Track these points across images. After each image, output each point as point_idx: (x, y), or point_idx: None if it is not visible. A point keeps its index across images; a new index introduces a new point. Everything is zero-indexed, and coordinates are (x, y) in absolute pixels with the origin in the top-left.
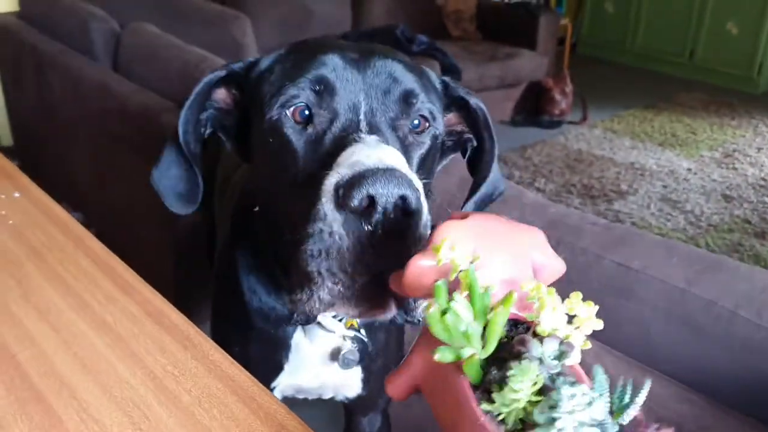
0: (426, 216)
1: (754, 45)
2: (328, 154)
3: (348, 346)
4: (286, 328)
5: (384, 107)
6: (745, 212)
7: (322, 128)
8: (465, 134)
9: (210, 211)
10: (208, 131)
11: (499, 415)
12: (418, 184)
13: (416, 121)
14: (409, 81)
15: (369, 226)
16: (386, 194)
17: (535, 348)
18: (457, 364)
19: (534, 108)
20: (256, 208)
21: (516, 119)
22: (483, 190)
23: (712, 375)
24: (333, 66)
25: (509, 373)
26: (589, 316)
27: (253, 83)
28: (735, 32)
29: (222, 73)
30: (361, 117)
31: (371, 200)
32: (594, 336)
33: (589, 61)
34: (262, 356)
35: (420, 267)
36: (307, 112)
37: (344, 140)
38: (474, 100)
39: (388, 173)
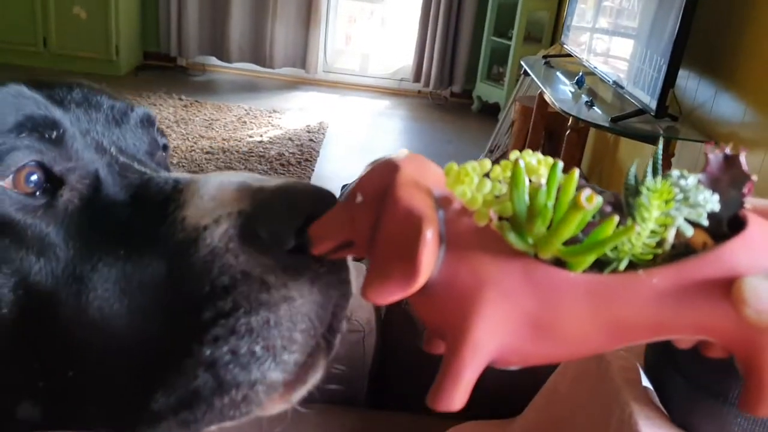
0: None
1: (106, 28)
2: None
3: None
4: None
5: (131, 138)
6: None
7: (78, 188)
8: None
9: None
10: None
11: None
12: None
13: (160, 144)
14: (128, 104)
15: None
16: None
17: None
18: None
19: None
20: None
21: None
22: None
23: None
24: (36, 102)
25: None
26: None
27: None
28: (84, 17)
29: None
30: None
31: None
32: None
33: None
34: None
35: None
36: (37, 176)
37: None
38: None
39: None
